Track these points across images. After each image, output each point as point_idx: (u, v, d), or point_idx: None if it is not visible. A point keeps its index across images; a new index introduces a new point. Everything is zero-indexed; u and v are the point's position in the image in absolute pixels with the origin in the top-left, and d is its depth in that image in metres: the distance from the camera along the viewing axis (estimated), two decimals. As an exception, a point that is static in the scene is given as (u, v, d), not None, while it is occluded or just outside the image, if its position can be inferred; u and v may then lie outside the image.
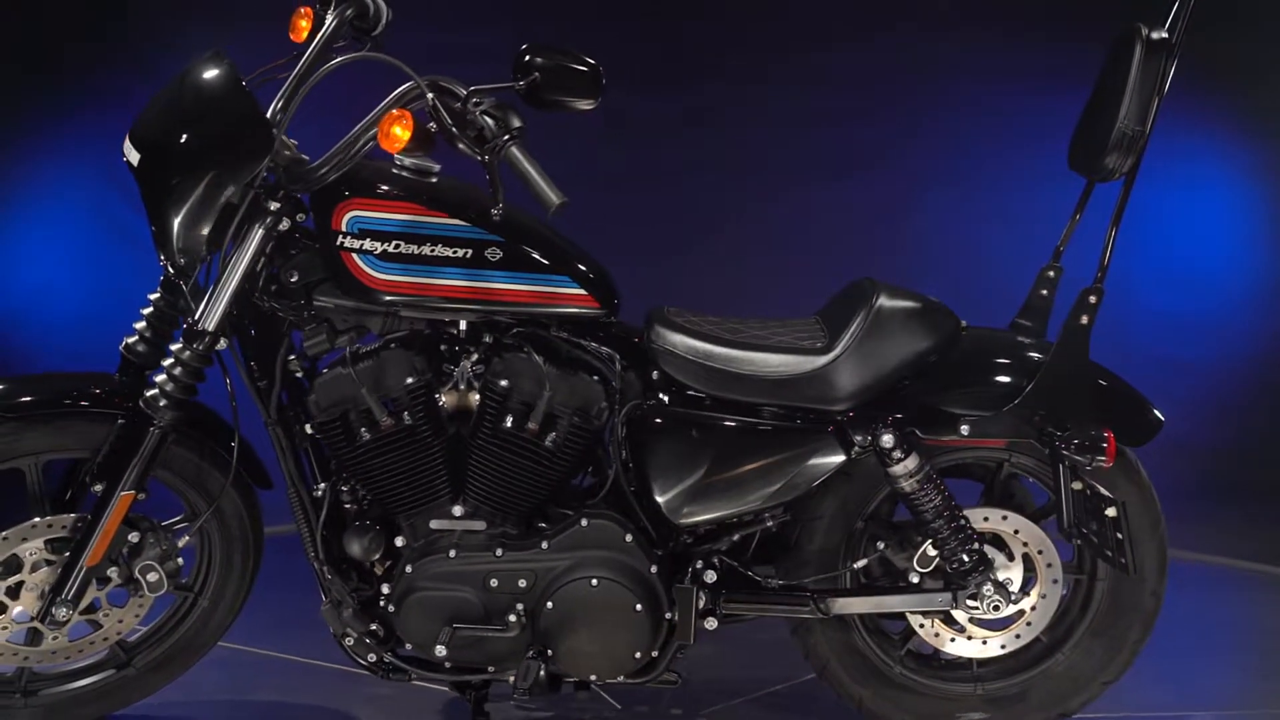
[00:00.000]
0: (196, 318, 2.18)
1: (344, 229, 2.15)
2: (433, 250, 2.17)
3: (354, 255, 2.16)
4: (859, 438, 2.26)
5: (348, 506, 2.32)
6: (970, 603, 2.35)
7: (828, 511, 2.38)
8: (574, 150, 4.27)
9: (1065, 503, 2.26)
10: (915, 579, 2.38)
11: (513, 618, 2.26)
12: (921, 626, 2.43)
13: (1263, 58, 4.73)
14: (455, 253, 2.18)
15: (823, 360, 2.27)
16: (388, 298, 2.18)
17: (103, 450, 2.27)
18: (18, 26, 4.52)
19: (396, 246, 2.16)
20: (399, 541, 2.30)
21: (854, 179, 4.84)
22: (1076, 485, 2.28)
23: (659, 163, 4.85)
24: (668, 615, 2.29)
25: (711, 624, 2.32)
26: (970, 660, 2.47)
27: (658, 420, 2.31)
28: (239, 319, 2.23)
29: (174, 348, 2.21)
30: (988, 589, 2.34)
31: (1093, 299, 2.21)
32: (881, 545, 2.41)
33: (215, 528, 2.41)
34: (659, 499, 2.26)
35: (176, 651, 2.47)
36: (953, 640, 2.43)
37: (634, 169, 4.83)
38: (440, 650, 2.25)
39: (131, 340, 2.33)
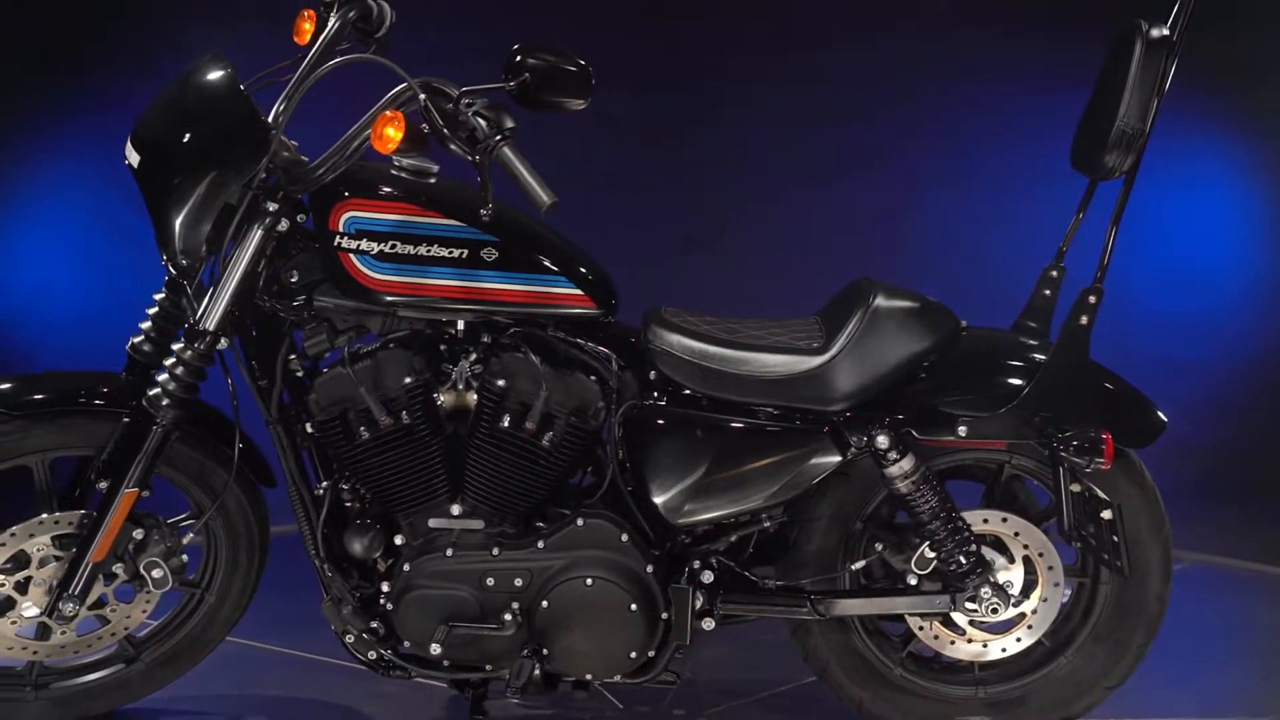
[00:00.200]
0: (197, 317, 2.20)
1: (341, 229, 2.17)
2: (429, 250, 2.18)
3: (351, 255, 2.17)
4: (854, 438, 2.26)
5: (348, 505, 2.34)
6: (969, 605, 2.34)
7: (826, 512, 2.38)
8: (574, 150, 4.28)
9: (1065, 505, 2.25)
10: (913, 581, 2.38)
11: (508, 616, 2.26)
12: (921, 629, 2.42)
13: (1263, 58, 4.72)
14: (451, 253, 2.18)
15: (818, 360, 2.26)
16: (386, 298, 2.19)
17: (108, 448, 2.30)
18: (18, 26, 4.52)
19: (393, 247, 2.17)
20: (399, 540, 2.31)
21: (854, 179, 4.84)
22: (1075, 487, 2.28)
23: (659, 163, 4.85)
24: (664, 615, 2.29)
25: (709, 624, 2.31)
26: (971, 663, 2.46)
27: (654, 420, 2.31)
28: (240, 319, 2.25)
29: (175, 347, 2.23)
30: (986, 592, 2.33)
31: (1092, 299, 2.20)
32: (880, 547, 2.40)
33: (220, 525, 2.44)
34: (655, 499, 2.26)
35: (184, 647, 2.50)
36: (953, 643, 2.43)
37: (634, 169, 4.83)
38: (435, 648, 2.26)
39: (138, 340, 2.36)
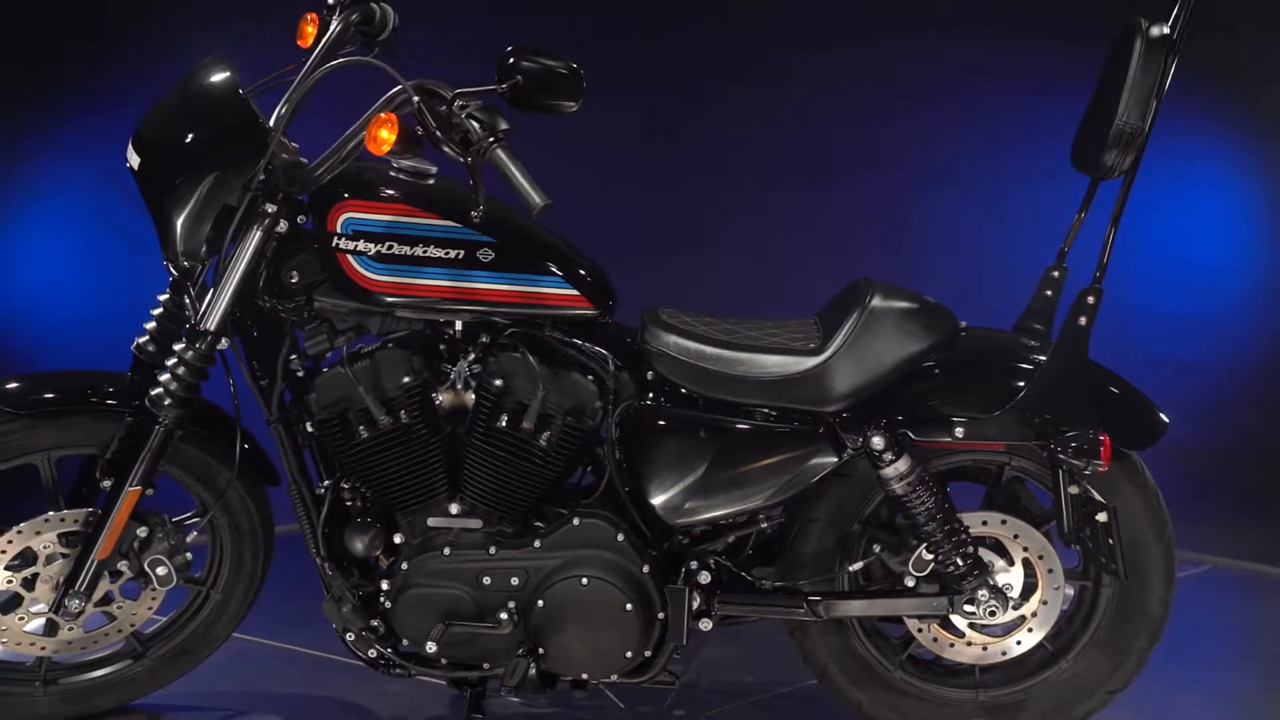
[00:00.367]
0: (198, 318, 2.22)
1: (339, 230, 2.17)
2: (425, 251, 2.18)
3: (349, 256, 2.18)
4: (850, 439, 2.25)
5: (349, 504, 2.35)
6: (967, 607, 2.33)
7: (824, 513, 2.37)
8: (573, 150, 4.27)
9: (1065, 508, 2.23)
10: (911, 583, 2.37)
11: (504, 615, 2.26)
12: (920, 631, 2.41)
13: (1263, 58, 4.72)
14: (448, 254, 2.19)
15: (814, 361, 2.26)
16: (384, 299, 2.20)
17: (112, 447, 2.32)
18: (18, 26, 4.52)
19: (390, 248, 2.18)
20: (398, 539, 2.32)
21: (854, 179, 4.84)
22: (1073, 490, 2.26)
23: (658, 163, 4.85)
24: (660, 616, 2.29)
25: (706, 625, 2.31)
26: (972, 667, 2.44)
27: (652, 421, 2.31)
28: (241, 319, 2.26)
29: (177, 347, 2.24)
30: (984, 594, 2.32)
31: (1091, 300, 2.19)
32: (878, 548, 2.39)
33: (224, 523, 2.46)
34: (652, 499, 2.26)
35: (190, 644, 2.52)
36: (952, 645, 2.41)
37: (633, 169, 4.83)
38: (432, 647, 2.26)
39: (142, 340, 2.38)
